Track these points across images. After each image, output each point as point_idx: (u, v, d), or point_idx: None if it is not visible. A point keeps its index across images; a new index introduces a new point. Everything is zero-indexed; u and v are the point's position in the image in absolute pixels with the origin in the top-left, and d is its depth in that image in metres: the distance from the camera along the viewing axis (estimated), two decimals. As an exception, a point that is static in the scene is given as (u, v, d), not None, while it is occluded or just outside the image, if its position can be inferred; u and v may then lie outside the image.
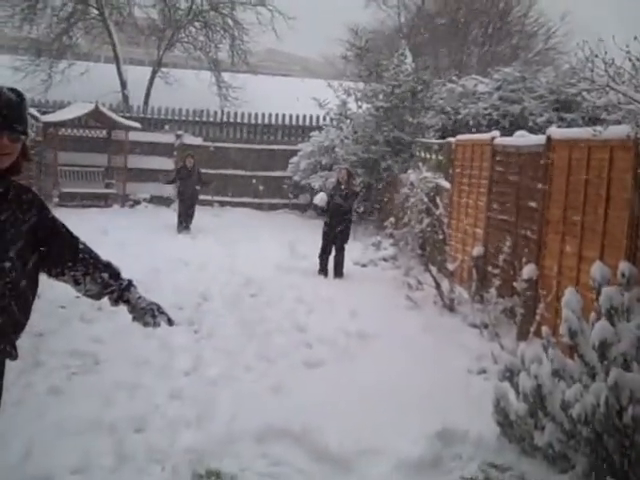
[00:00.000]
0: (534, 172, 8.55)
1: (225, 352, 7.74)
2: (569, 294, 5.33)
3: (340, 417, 5.81)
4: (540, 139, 8.54)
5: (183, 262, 12.67)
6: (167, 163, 20.94)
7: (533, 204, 8.50)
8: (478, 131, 13.06)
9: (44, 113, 19.64)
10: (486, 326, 8.35)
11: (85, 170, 20.62)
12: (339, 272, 12.06)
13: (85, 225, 14.23)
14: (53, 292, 8.16)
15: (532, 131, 11.10)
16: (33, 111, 17.65)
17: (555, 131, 8.50)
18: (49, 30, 25.94)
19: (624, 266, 5.21)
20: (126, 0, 26.91)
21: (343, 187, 12.26)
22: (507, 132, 11.31)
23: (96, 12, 25.91)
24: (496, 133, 10.32)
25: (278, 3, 26.80)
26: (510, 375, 5.52)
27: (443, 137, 14.11)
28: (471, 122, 14.04)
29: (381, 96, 17.73)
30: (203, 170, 17.74)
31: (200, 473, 5.01)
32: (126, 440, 5.42)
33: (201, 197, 17.88)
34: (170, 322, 3.75)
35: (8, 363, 3.57)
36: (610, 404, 4.66)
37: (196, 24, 27.26)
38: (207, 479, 4.96)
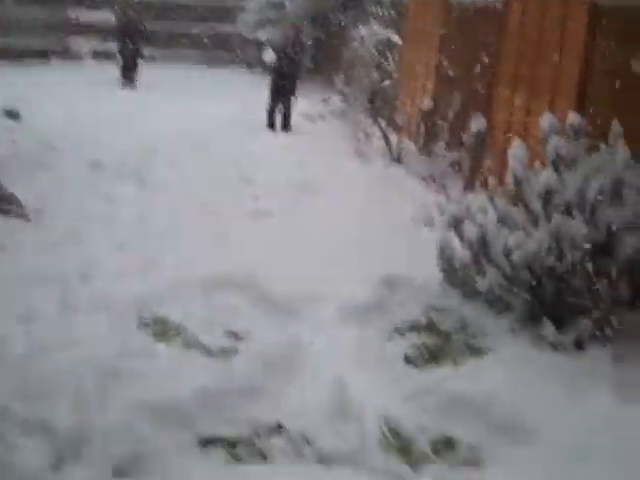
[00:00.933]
0: (487, 26, 8.37)
1: (170, 204, 7.69)
2: (516, 146, 5.39)
3: (286, 266, 5.85)
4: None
5: (127, 116, 12.31)
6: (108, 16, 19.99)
7: (485, 59, 8.36)
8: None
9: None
10: (433, 178, 8.37)
11: (22, 23, 19.60)
12: (287, 125, 11.97)
13: (22, 81, 13.99)
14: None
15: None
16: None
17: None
18: None
19: (573, 117, 5.24)
20: None
21: (291, 43, 12.00)
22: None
23: None
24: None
25: None
26: (455, 224, 5.58)
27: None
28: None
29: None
30: (148, 25, 17.11)
31: (146, 320, 5.04)
32: (71, 289, 5.40)
33: (146, 52, 17.29)
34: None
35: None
36: (551, 249, 4.76)
37: None
38: (154, 325, 4.99)
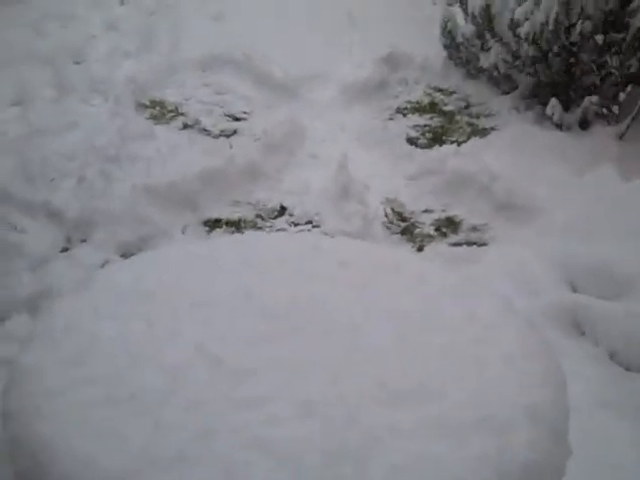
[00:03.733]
0: None
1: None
2: None
3: (285, 45, 5.64)
4: None
5: None
6: None
7: None
8: None
9: None
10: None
11: None
12: None
13: None
14: None
15: None
16: None
17: None
18: None
19: None
20: None
21: None
22: None
23: None
24: None
25: None
26: (459, -5, 5.32)
27: None
28: None
29: None
30: None
31: (144, 102, 4.94)
32: (65, 71, 5.27)
33: None
34: None
35: None
36: (559, 21, 4.56)
37: None
38: (151, 109, 4.90)
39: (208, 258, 2.06)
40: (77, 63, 5.45)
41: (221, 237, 3.48)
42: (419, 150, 4.44)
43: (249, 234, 3.08)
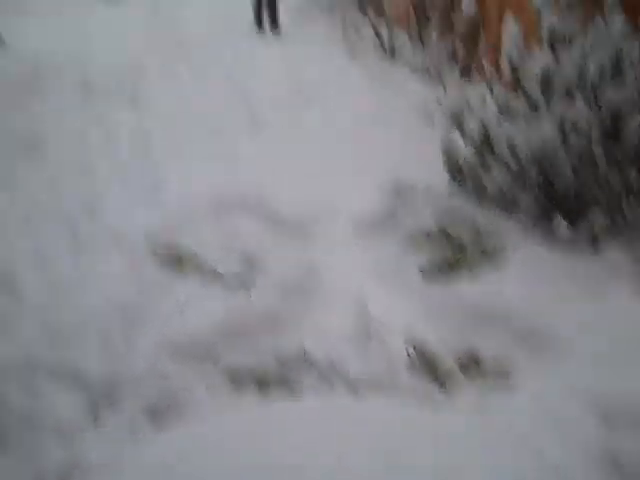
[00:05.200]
0: None
1: (170, 125, 7.54)
2: (509, 26, 5.12)
3: (292, 181, 5.80)
4: None
5: (112, 31, 12.00)
6: None
7: None
8: None
9: None
10: (429, 70, 8.17)
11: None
12: (274, 21, 11.50)
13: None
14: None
15: None
16: None
17: None
18: None
19: None
20: None
21: None
22: None
23: None
24: None
25: None
26: (456, 119, 5.45)
27: None
28: None
29: None
30: None
31: (159, 252, 5.02)
32: (81, 226, 5.41)
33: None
34: None
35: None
36: (554, 138, 4.67)
37: None
38: (166, 258, 4.96)
39: (238, 438, 2.08)
40: (92, 216, 5.58)
41: (248, 406, 3.48)
42: (433, 281, 4.48)
43: (276, 408, 3.06)
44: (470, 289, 4.12)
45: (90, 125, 7.61)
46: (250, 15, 11.61)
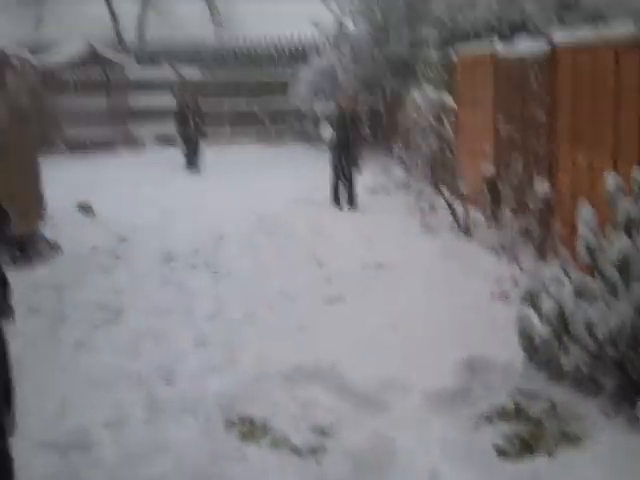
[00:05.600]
0: (538, 81, 8.26)
1: (246, 292, 7.79)
2: (583, 210, 5.18)
3: (364, 352, 5.85)
4: (542, 45, 8.09)
5: (194, 202, 12.67)
6: (169, 100, 20.40)
7: (540, 116, 8.24)
8: (477, 39, 12.55)
9: (34, 52, 18.92)
10: (504, 249, 8.27)
11: (87, 112, 20.14)
12: (352, 200, 11.91)
13: (92, 172, 14.60)
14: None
15: (532, 34, 10.63)
16: (28, 56, 17.18)
17: (558, 35, 7.90)
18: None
19: (638, 174, 4.96)
20: None
21: (347, 115, 12.07)
22: (507, 38, 10.82)
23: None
24: (495, 45, 9.94)
25: None
26: (531, 298, 5.47)
27: (443, 49, 13.74)
28: (470, 31, 13.53)
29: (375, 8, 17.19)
30: (202, 104, 17.56)
31: (232, 420, 5.05)
32: (156, 390, 5.50)
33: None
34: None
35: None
36: (635, 321, 4.63)
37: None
38: (240, 426, 4.99)
39: None
40: (168, 381, 5.68)
41: None
42: (509, 462, 4.35)
43: None
44: (547, 471, 3.99)
45: (167, 292, 7.90)
46: (326, 190, 12.06)
